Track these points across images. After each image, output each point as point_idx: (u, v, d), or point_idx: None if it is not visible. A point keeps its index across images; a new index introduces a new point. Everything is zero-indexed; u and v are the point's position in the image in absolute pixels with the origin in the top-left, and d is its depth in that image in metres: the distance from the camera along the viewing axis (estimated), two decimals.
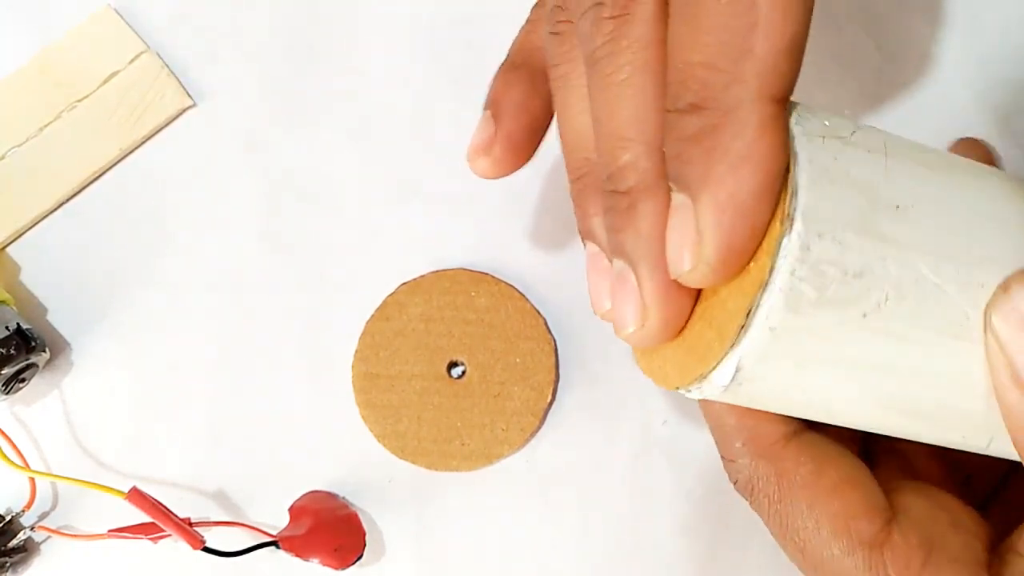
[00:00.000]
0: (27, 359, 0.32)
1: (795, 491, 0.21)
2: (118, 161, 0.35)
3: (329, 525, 0.31)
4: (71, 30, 0.36)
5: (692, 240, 0.17)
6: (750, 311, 0.17)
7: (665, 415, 0.33)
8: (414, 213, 0.35)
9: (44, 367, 0.33)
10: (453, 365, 0.34)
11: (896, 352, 0.18)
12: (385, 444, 0.33)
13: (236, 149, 0.36)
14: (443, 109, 0.36)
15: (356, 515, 0.32)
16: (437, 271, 0.34)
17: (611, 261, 0.20)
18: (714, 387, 0.18)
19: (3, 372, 0.31)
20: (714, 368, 0.18)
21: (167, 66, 0.36)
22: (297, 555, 0.31)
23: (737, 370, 0.17)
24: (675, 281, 0.18)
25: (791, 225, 0.16)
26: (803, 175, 0.17)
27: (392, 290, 0.34)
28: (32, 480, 0.32)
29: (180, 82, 0.36)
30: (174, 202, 0.35)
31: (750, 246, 0.17)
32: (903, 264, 0.17)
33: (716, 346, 0.18)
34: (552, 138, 0.35)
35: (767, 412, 0.21)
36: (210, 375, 0.34)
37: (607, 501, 0.33)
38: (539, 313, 0.34)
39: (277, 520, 0.32)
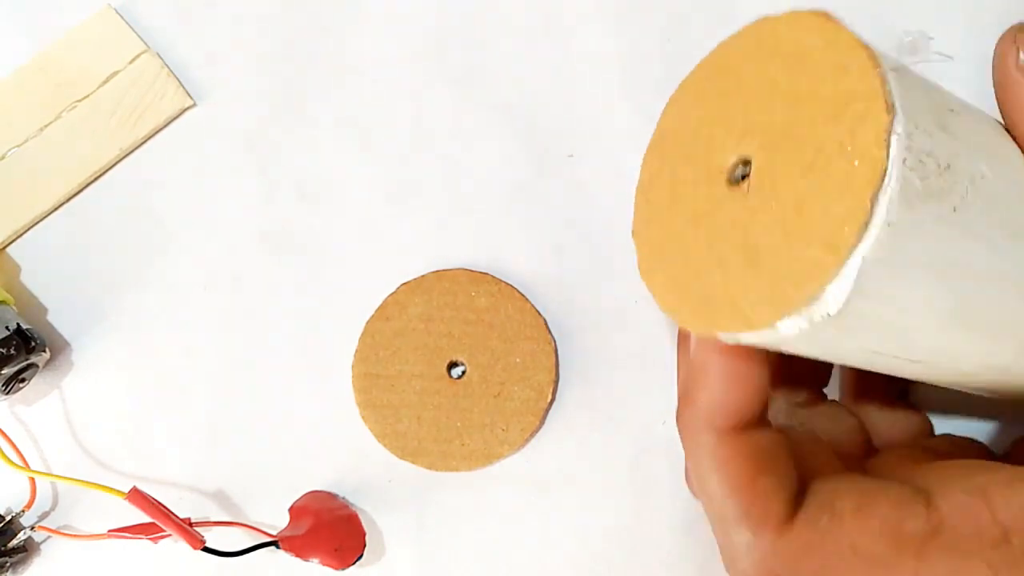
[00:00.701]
0: (27, 359, 0.32)
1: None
2: (118, 161, 0.35)
3: (329, 525, 0.31)
4: (71, 30, 0.36)
5: None
6: (864, 211, 0.16)
7: (665, 415, 0.33)
8: (414, 213, 0.35)
9: (44, 367, 0.33)
10: (453, 365, 0.34)
11: (975, 250, 0.18)
12: (385, 444, 0.33)
13: (236, 149, 0.36)
14: (443, 109, 0.36)
15: (356, 515, 0.32)
16: (437, 271, 0.34)
17: None
18: (821, 310, 0.17)
19: (3, 372, 0.31)
20: (829, 282, 0.17)
21: (167, 66, 0.36)
22: (297, 555, 0.31)
23: (857, 280, 0.16)
24: None
25: (894, 115, 0.16)
26: (893, 82, 0.17)
27: (392, 290, 0.34)
28: (32, 480, 0.32)
29: (180, 82, 0.36)
30: (174, 202, 0.35)
31: None
32: (969, 159, 0.18)
33: (821, 262, 0.17)
34: (550, 138, 0.35)
35: None
36: (210, 375, 0.34)
37: (607, 501, 0.33)
38: (539, 313, 0.34)
39: (277, 520, 0.32)
